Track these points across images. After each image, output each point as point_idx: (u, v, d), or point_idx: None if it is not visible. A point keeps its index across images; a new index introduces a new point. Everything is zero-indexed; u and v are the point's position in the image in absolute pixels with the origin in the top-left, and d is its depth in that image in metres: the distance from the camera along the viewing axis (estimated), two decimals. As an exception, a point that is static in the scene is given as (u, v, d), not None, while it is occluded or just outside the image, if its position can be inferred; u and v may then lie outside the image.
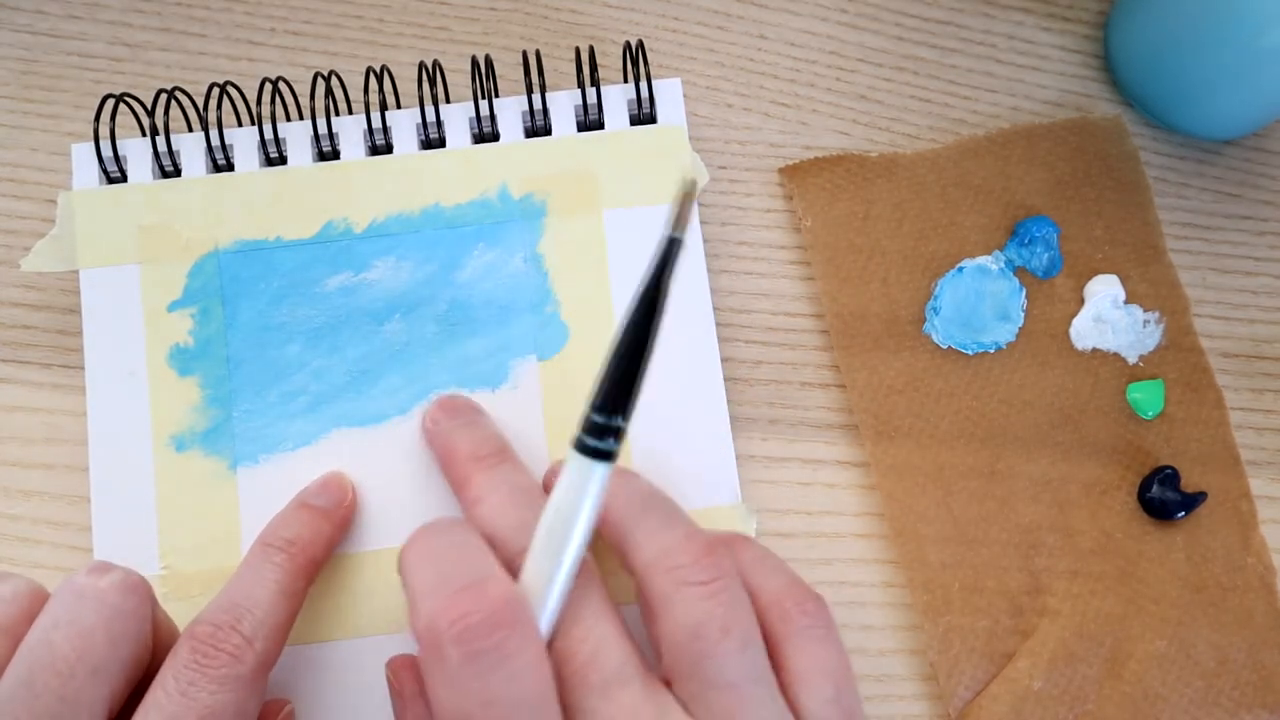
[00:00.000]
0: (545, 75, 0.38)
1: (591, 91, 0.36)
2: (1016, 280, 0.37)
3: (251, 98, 0.38)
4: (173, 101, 0.36)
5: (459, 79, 0.39)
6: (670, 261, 0.25)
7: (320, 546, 0.31)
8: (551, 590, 0.26)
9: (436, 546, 0.27)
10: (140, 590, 0.27)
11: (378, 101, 0.38)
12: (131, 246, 0.35)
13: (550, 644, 0.26)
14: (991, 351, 0.37)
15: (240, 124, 0.37)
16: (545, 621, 0.26)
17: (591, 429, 0.25)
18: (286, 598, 0.29)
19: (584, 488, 0.26)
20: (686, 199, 0.25)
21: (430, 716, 0.26)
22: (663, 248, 0.25)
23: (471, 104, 0.36)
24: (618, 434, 0.25)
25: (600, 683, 0.25)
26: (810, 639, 0.27)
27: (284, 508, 0.32)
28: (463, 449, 0.32)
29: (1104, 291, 0.37)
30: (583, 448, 0.25)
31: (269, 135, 0.36)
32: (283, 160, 0.36)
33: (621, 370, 0.25)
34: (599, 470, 0.25)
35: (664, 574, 0.27)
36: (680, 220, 0.25)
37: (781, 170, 0.39)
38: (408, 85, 0.39)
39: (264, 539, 0.30)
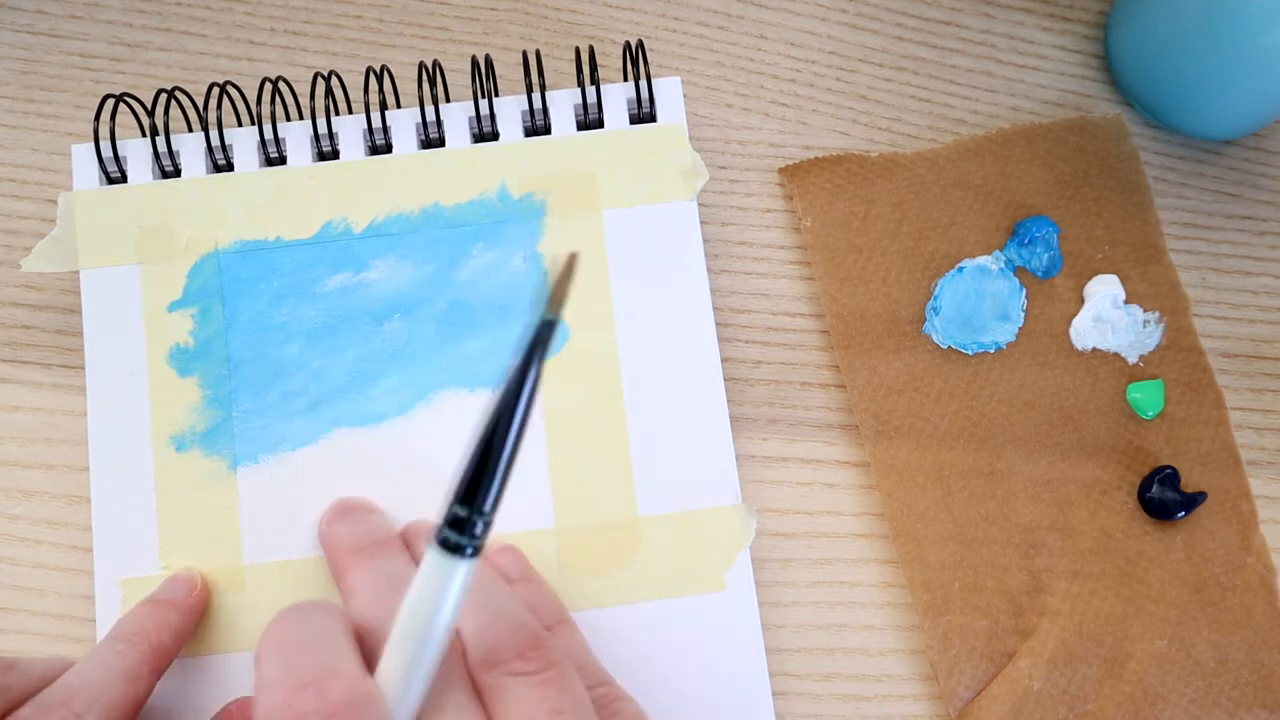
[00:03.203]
0: (545, 75, 0.38)
1: (591, 91, 0.36)
2: (1016, 280, 0.37)
3: (251, 98, 0.38)
4: (173, 101, 0.36)
5: (459, 79, 0.39)
6: (542, 346, 0.24)
7: (166, 634, 0.31)
8: (409, 687, 0.25)
9: (291, 635, 0.26)
10: None
11: (377, 101, 0.38)
12: (131, 247, 0.35)
13: None
14: (991, 351, 0.37)
15: (240, 124, 0.37)
16: (402, 718, 0.25)
17: (453, 523, 0.24)
18: (128, 681, 0.29)
19: (444, 585, 0.24)
20: (564, 276, 0.24)
21: None
22: (534, 331, 0.24)
23: (471, 104, 0.36)
24: (482, 527, 0.24)
25: None
26: None
27: (131, 608, 0.32)
28: (344, 542, 0.31)
29: (1104, 291, 0.37)
30: (444, 543, 0.24)
31: (269, 135, 0.36)
32: (282, 160, 0.36)
33: (484, 461, 0.24)
34: (460, 568, 0.24)
35: (495, 668, 0.26)
36: (556, 299, 0.24)
37: (781, 170, 0.39)
38: (408, 85, 0.39)
39: (108, 634, 0.30)
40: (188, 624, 0.32)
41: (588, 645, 0.31)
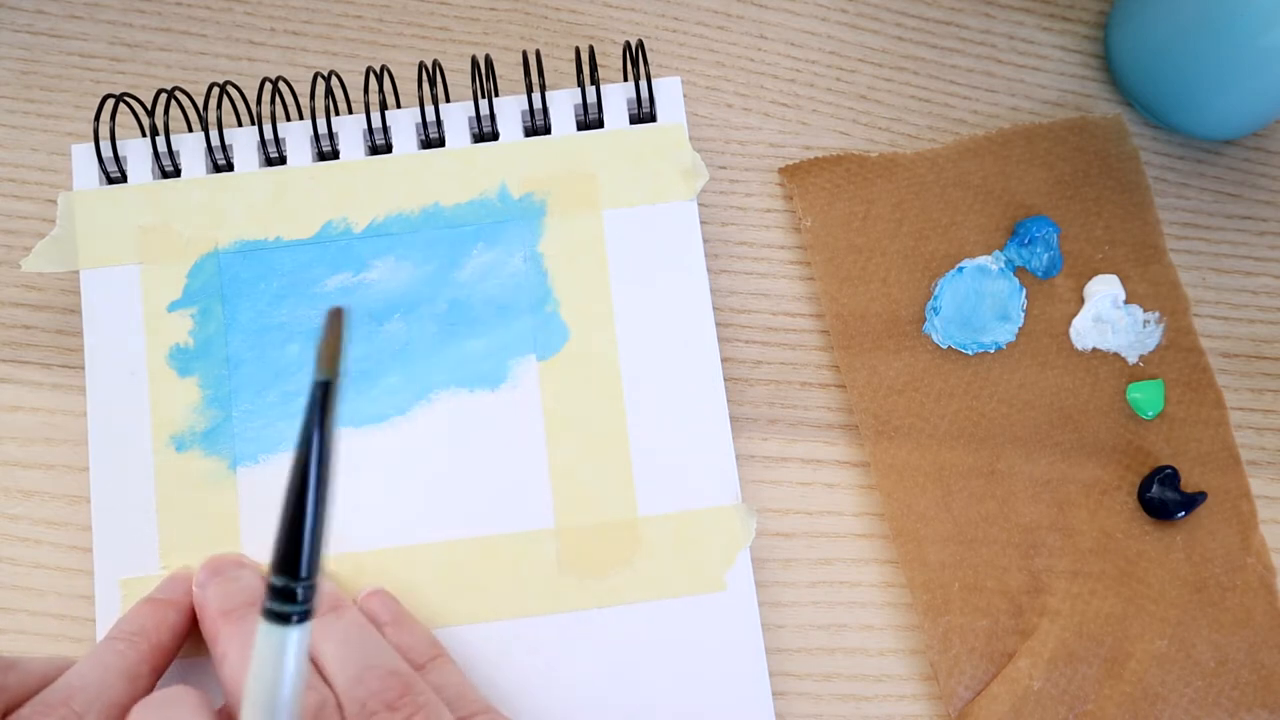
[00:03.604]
0: (545, 75, 0.38)
1: (591, 91, 0.36)
2: (1016, 280, 0.37)
3: (251, 98, 0.38)
4: (173, 101, 0.36)
5: (459, 79, 0.39)
6: (325, 407, 0.24)
7: (165, 633, 0.31)
8: None
9: None
10: None
11: (377, 101, 0.38)
12: (131, 247, 0.35)
13: None
14: (991, 351, 0.37)
15: (240, 124, 0.37)
16: None
17: (275, 594, 0.24)
18: (127, 680, 0.29)
19: (279, 654, 0.24)
20: (332, 333, 0.24)
21: None
22: (313, 394, 0.23)
23: (471, 104, 0.36)
24: (304, 593, 0.24)
25: None
26: None
27: (130, 607, 0.32)
28: (212, 606, 0.31)
29: (1104, 291, 0.37)
30: (269, 614, 0.24)
31: (269, 135, 0.36)
32: (282, 160, 0.36)
33: (292, 530, 0.24)
34: (291, 635, 0.24)
35: (361, 712, 0.27)
36: (327, 359, 0.24)
37: (781, 170, 0.39)
38: (408, 85, 0.39)
39: (108, 634, 0.31)
40: (187, 623, 0.32)
41: (463, 675, 0.31)
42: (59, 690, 0.28)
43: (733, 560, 0.34)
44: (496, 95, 0.37)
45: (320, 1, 0.40)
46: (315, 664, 0.29)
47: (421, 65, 0.36)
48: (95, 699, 0.28)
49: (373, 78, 0.38)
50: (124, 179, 0.36)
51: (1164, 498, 0.35)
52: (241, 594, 0.31)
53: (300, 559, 0.24)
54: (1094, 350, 0.37)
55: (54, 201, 0.37)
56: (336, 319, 0.24)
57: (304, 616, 0.24)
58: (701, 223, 0.37)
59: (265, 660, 0.25)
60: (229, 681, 0.29)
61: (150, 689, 0.30)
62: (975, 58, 0.41)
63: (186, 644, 0.33)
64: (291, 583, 0.24)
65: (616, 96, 0.37)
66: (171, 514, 0.33)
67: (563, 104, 0.37)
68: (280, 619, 0.24)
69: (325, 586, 0.32)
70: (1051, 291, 0.37)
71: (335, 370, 0.24)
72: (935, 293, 0.37)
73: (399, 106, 0.37)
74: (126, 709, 0.28)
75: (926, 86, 0.41)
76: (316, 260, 0.35)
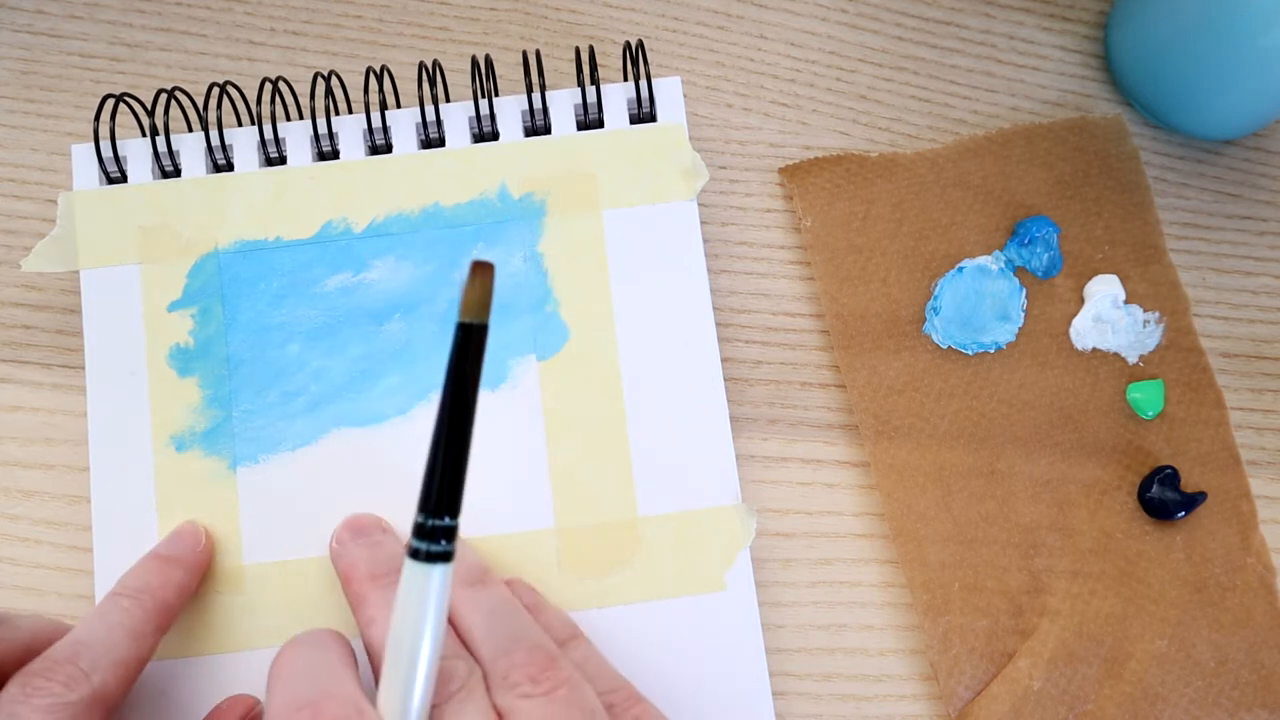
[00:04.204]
0: (545, 75, 0.38)
1: (591, 91, 0.36)
2: (1016, 280, 0.37)
3: (251, 98, 0.38)
4: (173, 101, 0.36)
5: (459, 79, 0.39)
6: (466, 350, 0.25)
7: (171, 591, 0.31)
8: (407, 706, 0.25)
9: (294, 664, 0.27)
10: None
11: (377, 101, 0.38)
12: (131, 247, 0.35)
13: None
14: (991, 351, 0.37)
15: (240, 124, 0.37)
16: None
17: (421, 533, 0.25)
18: (133, 638, 0.29)
19: (423, 595, 0.25)
20: (479, 281, 0.25)
21: None
22: (457, 335, 0.25)
23: (471, 104, 0.36)
24: (449, 534, 0.25)
25: None
26: None
27: (136, 561, 0.32)
28: (360, 569, 0.31)
29: (1104, 291, 0.37)
30: (415, 554, 0.25)
31: (269, 135, 0.36)
32: (282, 160, 0.36)
33: (442, 470, 0.25)
34: (435, 574, 0.25)
35: (510, 691, 0.27)
36: (469, 302, 0.25)
37: (781, 170, 0.39)
38: (408, 85, 0.39)
39: (113, 590, 0.31)
40: (192, 580, 0.32)
41: (602, 655, 0.31)
42: (65, 647, 0.28)
43: (733, 560, 0.34)
44: (496, 95, 0.37)
45: (320, 1, 0.40)
46: (461, 636, 0.29)
47: (421, 65, 0.36)
48: (102, 657, 0.28)
49: (373, 78, 0.38)
50: (124, 179, 0.36)
51: (1164, 498, 0.35)
52: (389, 560, 0.32)
53: (453, 497, 0.25)
54: (1094, 350, 0.37)
55: (54, 201, 0.38)
56: (484, 270, 0.25)
57: (449, 556, 0.25)
58: (701, 223, 0.37)
59: (410, 599, 0.25)
60: (376, 643, 0.29)
61: (154, 648, 0.30)
62: (975, 58, 0.41)
63: (187, 644, 0.33)
64: (439, 522, 0.25)
65: (616, 96, 0.37)
66: (171, 514, 0.33)
67: (563, 104, 0.37)
68: (427, 558, 0.25)
69: (472, 559, 0.32)
70: (1051, 291, 0.37)
71: (483, 314, 0.25)
72: (935, 293, 0.37)
73: (399, 106, 0.37)
74: (131, 668, 0.29)
75: (926, 86, 0.41)
76: (316, 260, 0.35)
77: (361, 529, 0.33)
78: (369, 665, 0.30)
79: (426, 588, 0.25)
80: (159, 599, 0.30)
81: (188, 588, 0.32)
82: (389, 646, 0.26)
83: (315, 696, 0.26)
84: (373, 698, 0.26)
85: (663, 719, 0.28)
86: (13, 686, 0.27)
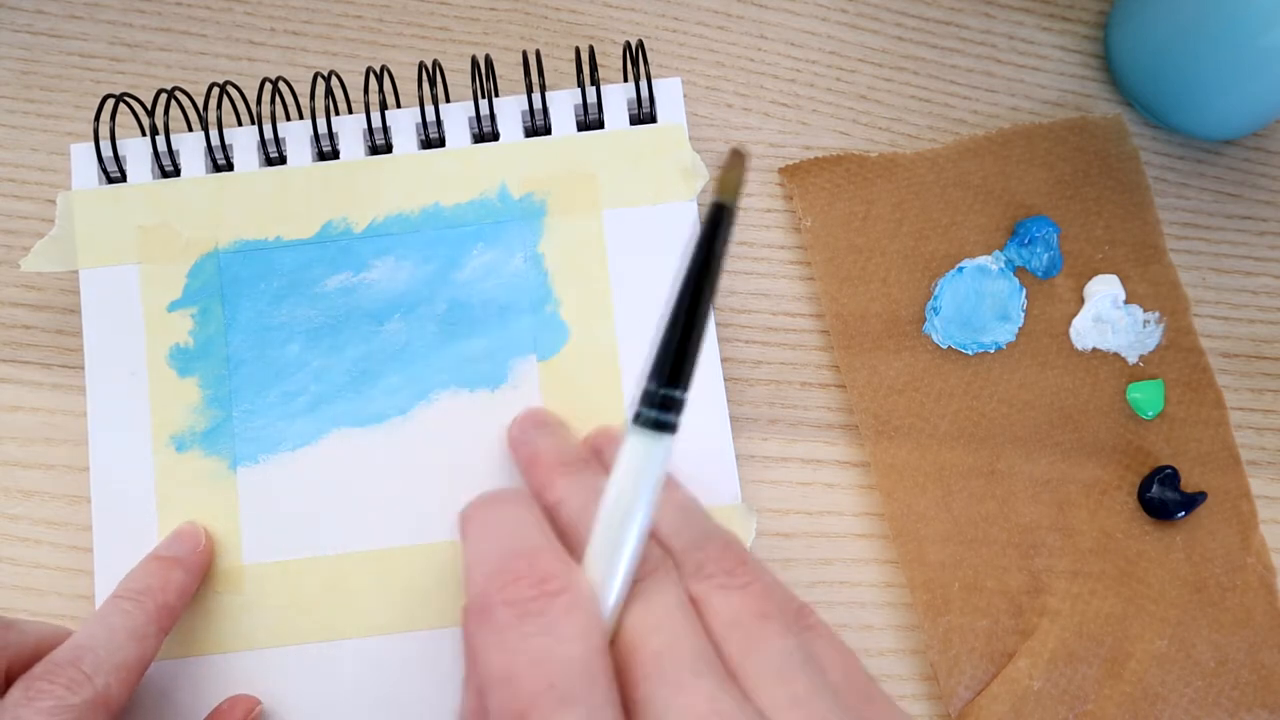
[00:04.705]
0: (545, 75, 0.38)
1: (591, 91, 0.36)
2: (1016, 280, 0.37)
3: (251, 98, 0.38)
4: (173, 101, 0.36)
5: (459, 79, 0.39)
6: (716, 228, 0.24)
7: (171, 592, 0.31)
8: (615, 572, 0.25)
9: (495, 518, 0.27)
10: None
11: (377, 101, 0.38)
12: (131, 246, 0.35)
13: (617, 631, 0.25)
14: (991, 351, 0.37)
15: (240, 124, 0.37)
16: (609, 604, 0.25)
17: (650, 401, 0.25)
18: (135, 640, 0.29)
19: (646, 463, 0.25)
20: (735, 166, 0.25)
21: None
22: (709, 213, 0.24)
23: (471, 104, 0.36)
24: (678, 406, 0.25)
25: (674, 674, 0.24)
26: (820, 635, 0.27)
27: (138, 563, 0.32)
28: (547, 456, 0.31)
29: (1104, 291, 0.37)
30: (642, 420, 0.25)
31: (269, 135, 0.36)
32: (282, 160, 0.36)
33: (678, 338, 0.24)
34: (661, 443, 0.25)
35: (704, 581, 0.26)
36: (726, 183, 0.24)
37: (781, 170, 0.39)
38: (408, 85, 0.39)
39: (114, 592, 0.31)
40: (193, 582, 0.32)
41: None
42: (67, 651, 0.28)
43: (733, 560, 0.34)
44: (496, 95, 0.37)
45: (320, 1, 0.40)
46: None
47: (421, 65, 0.36)
48: (104, 660, 0.28)
49: (373, 78, 0.38)
50: (124, 179, 0.36)
51: (1164, 498, 0.35)
52: (575, 451, 0.31)
53: (687, 367, 0.24)
54: (1094, 350, 0.37)
55: (54, 201, 0.37)
56: (740, 157, 0.25)
57: (674, 429, 0.25)
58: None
59: (631, 467, 0.25)
60: (568, 522, 0.28)
61: (156, 650, 0.30)
62: (975, 58, 0.41)
63: (185, 643, 0.33)
64: (672, 391, 0.24)
65: (617, 97, 0.37)
66: (171, 514, 0.33)
67: (563, 104, 0.37)
68: (656, 427, 0.25)
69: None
70: (1051, 291, 0.37)
71: (735, 196, 0.24)
72: (935, 293, 0.37)
73: (399, 106, 0.37)
74: (134, 670, 0.29)
75: (926, 86, 0.41)
76: (316, 260, 0.35)
77: (544, 422, 0.33)
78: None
79: (649, 458, 0.25)
80: (160, 601, 0.31)
81: (188, 589, 0.32)
82: (601, 514, 0.25)
83: (528, 548, 0.25)
84: None
85: (840, 639, 0.28)
86: (15, 690, 0.27)
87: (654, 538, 0.28)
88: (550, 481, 0.30)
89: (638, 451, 0.25)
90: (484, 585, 0.25)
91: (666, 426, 0.25)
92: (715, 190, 0.25)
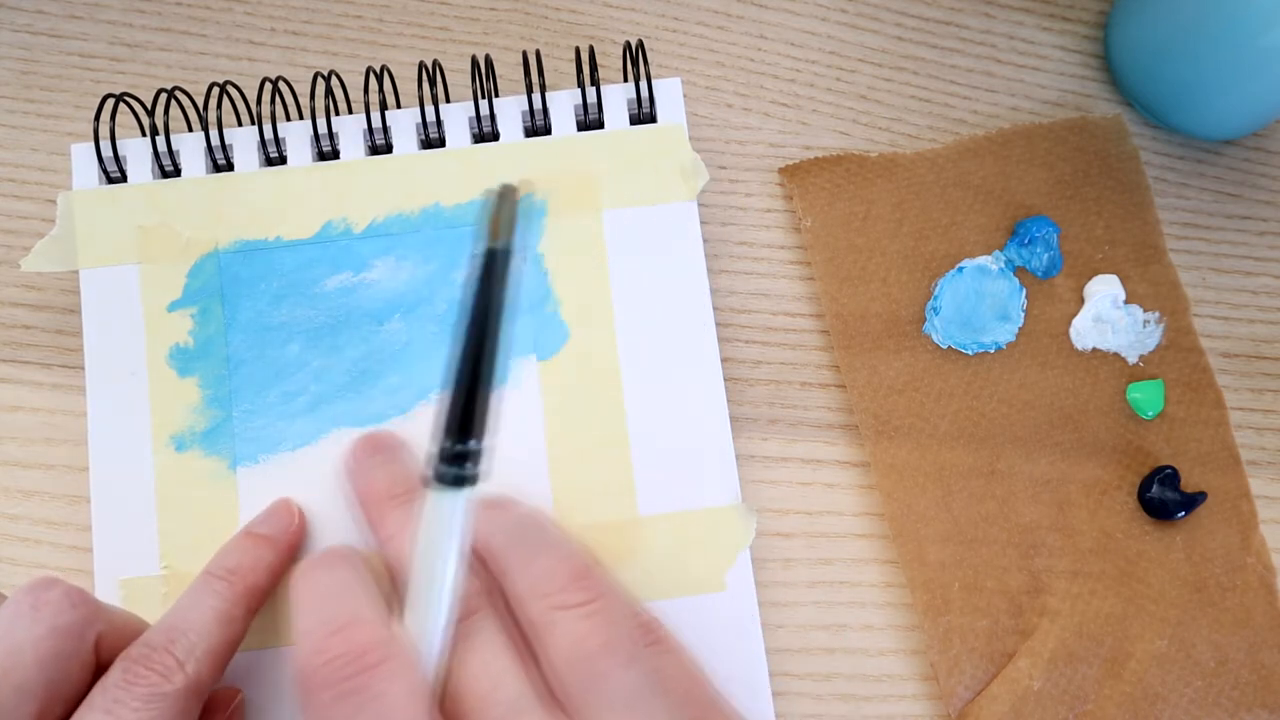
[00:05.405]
0: (545, 75, 0.38)
1: (591, 91, 0.36)
2: (1016, 280, 0.37)
3: (251, 98, 0.38)
4: (173, 101, 0.36)
5: (459, 79, 0.39)
6: (490, 274, 0.25)
7: (261, 573, 0.31)
8: (433, 627, 0.26)
9: (317, 587, 0.27)
10: (80, 608, 0.27)
11: (378, 101, 0.38)
12: (131, 246, 0.35)
13: (445, 681, 0.26)
14: (991, 351, 0.37)
15: (240, 124, 0.37)
16: (432, 658, 0.26)
17: (444, 457, 0.25)
18: (224, 624, 0.29)
19: (447, 520, 0.25)
20: (503, 206, 0.25)
21: None
22: (480, 261, 0.25)
23: (471, 104, 0.36)
24: (474, 458, 0.25)
25: (500, 716, 0.25)
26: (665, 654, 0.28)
27: (231, 537, 0.32)
28: (379, 487, 0.31)
29: (1104, 291, 0.37)
30: (439, 477, 0.25)
31: (269, 135, 0.36)
32: (282, 160, 0.36)
33: (464, 392, 0.25)
34: (459, 499, 0.25)
35: (539, 600, 0.26)
36: (495, 226, 0.25)
37: (781, 170, 0.39)
38: (408, 85, 0.39)
39: (207, 568, 0.30)
40: (283, 562, 0.32)
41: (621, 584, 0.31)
42: (161, 633, 0.28)
43: (733, 560, 0.34)
44: (496, 95, 0.37)
45: (320, 1, 0.40)
46: (480, 550, 0.28)
47: (421, 65, 0.36)
48: (194, 646, 0.28)
49: (373, 78, 0.38)
50: (124, 179, 0.36)
51: (1164, 498, 0.35)
52: (408, 479, 0.31)
53: (476, 420, 0.25)
54: (1094, 350, 0.37)
55: (54, 201, 0.38)
56: (509, 193, 0.25)
57: (474, 480, 0.25)
58: (701, 223, 0.37)
59: (434, 526, 0.25)
60: (396, 561, 0.29)
61: (244, 632, 0.30)
62: (975, 58, 0.41)
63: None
64: (463, 445, 0.25)
65: (616, 97, 0.37)
66: (171, 514, 0.33)
67: (563, 104, 0.37)
68: (452, 483, 0.25)
69: (493, 490, 0.31)
70: (1051, 291, 0.37)
71: (508, 238, 0.25)
72: (935, 293, 0.37)
73: (399, 106, 0.37)
74: (223, 655, 0.29)
75: (926, 86, 0.41)
76: (316, 260, 0.35)
77: (379, 447, 0.33)
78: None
79: (450, 514, 0.25)
80: (249, 582, 0.30)
81: (278, 570, 0.32)
82: (413, 571, 0.26)
83: (345, 620, 0.26)
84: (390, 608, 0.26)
85: (685, 650, 0.28)
86: (115, 671, 0.27)
87: (484, 565, 0.28)
88: (382, 516, 0.30)
89: (441, 510, 0.25)
90: (303, 665, 0.25)
91: (466, 480, 0.25)
92: (485, 234, 0.24)
